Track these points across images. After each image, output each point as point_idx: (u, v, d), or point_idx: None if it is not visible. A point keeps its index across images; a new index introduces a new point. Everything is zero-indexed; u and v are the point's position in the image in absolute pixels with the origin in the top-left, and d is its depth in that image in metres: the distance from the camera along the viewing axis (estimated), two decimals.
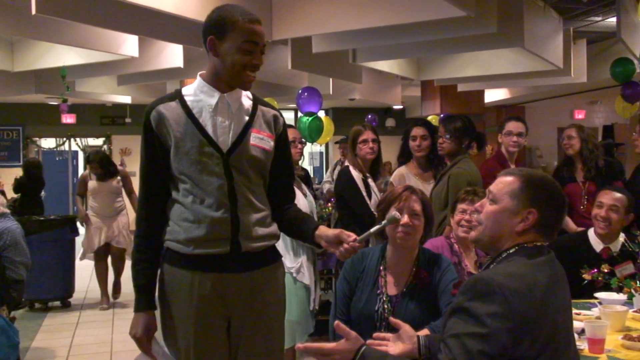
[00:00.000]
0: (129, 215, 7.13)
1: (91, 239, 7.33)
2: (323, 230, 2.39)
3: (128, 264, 6.36)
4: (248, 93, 2.45)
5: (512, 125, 4.77)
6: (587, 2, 6.40)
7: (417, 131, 4.68)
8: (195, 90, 2.38)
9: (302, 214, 2.58)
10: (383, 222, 2.47)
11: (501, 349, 1.73)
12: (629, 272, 3.27)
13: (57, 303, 7.39)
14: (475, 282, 1.83)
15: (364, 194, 4.56)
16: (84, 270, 9.63)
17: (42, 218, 7.58)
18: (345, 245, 2.29)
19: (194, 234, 2.30)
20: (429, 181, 4.65)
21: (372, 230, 2.44)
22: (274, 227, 2.47)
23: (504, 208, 1.97)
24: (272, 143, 2.43)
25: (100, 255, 7.41)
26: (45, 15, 4.40)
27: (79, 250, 7.53)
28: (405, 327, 2.25)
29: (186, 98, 2.36)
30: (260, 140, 2.39)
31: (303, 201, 4.23)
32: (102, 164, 7.27)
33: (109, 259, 7.53)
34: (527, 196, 1.94)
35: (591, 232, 3.64)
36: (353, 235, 2.31)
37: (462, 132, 4.38)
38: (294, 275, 4.23)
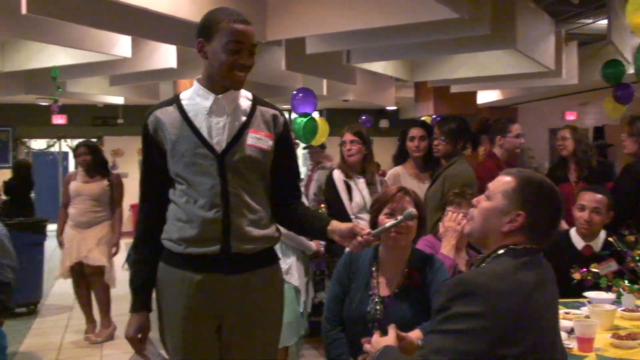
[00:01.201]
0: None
1: (64, 257, 6.09)
2: (336, 225, 2.41)
3: (115, 292, 6.08)
4: (247, 93, 2.47)
5: (518, 127, 4.91)
6: (578, 4, 6.43)
7: (415, 132, 4.73)
8: (191, 94, 2.42)
9: (312, 211, 2.60)
10: (400, 218, 2.49)
11: (480, 349, 1.74)
12: (611, 269, 3.31)
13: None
14: (457, 282, 1.85)
15: (343, 195, 4.59)
16: None
17: (8, 221, 6.58)
18: (359, 239, 2.32)
19: (186, 233, 2.32)
20: (425, 181, 4.68)
21: (387, 225, 2.48)
22: (270, 230, 2.46)
23: (495, 206, 1.96)
24: (270, 143, 2.44)
25: (76, 275, 6.09)
26: (36, 14, 4.37)
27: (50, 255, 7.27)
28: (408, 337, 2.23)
29: (183, 102, 2.41)
30: (258, 140, 2.40)
31: None
32: (92, 151, 6.15)
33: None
34: (518, 198, 1.93)
35: (573, 231, 3.69)
36: (367, 229, 2.36)
37: (457, 133, 4.41)
38: (283, 276, 4.24)
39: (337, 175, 4.66)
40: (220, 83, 2.36)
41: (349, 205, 4.56)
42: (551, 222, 1.96)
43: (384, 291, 2.79)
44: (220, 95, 2.37)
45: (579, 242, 3.64)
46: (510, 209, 1.93)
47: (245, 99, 2.45)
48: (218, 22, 2.28)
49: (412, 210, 2.53)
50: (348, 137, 4.68)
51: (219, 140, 2.35)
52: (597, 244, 3.59)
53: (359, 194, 4.59)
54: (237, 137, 2.37)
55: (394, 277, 2.80)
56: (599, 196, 3.60)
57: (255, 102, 2.47)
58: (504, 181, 1.98)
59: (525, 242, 1.93)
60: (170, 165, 2.37)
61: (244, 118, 2.41)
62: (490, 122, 6.52)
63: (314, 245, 4.58)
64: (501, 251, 1.93)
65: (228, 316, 2.38)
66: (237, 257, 2.35)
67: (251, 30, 2.33)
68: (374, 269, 2.84)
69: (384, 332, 2.66)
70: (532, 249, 1.94)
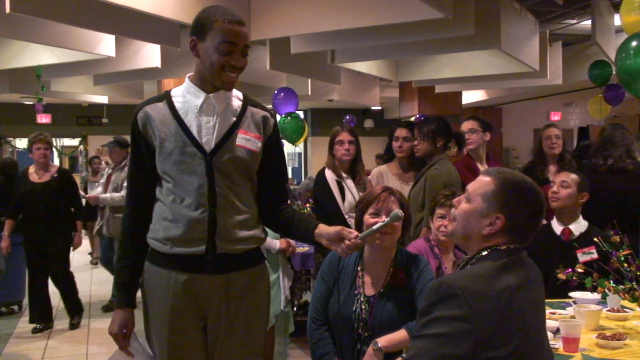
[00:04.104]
0: None
1: None
2: (323, 229, 2.39)
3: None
4: (238, 93, 2.45)
5: (463, 125, 4.96)
6: (562, 5, 6.47)
7: (400, 132, 4.73)
8: (182, 92, 2.40)
9: (299, 214, 2.56)
10: (386, 220, 2.49)
11: (463, 352, 1.73)
12: (590, 257, 3.34)
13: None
14: (438, 285, 1.83)
15: (337, 194, 4.59)
16: None
17: None
18: (347, 242, 2.32)
19: (172, 233, 2.31)
20: (409, 182, 4.67)
21: (374, 227, 2.46)
22: (257, 231, 2.45)
23: (474, 209, 1.95)
24: (259, 144, 2.42)
25: None
26: (20, 13, 4.35)
27: None
28: None
29: (174, 99, 2.38)
30: (247, 141, 2.38)
31: None
32: None
33: None
34: (497, 201, 1.91)
35: (554, 219, 3.75)
36: (355, 232, 2.35)
37: (436, 133, 4.40)
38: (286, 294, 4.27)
39: (330, 176, 4.66)
40: (211, 82, 2.34)
41: (342, 205, 4.55)
42: (532, 223, 1.94)
43: (369, 291, 2.79)
44: (211, 95, 2.35)
45: (557, 227, 3.71)
46: (489, 212, 1.92)
47: (236, 99, 2.44)
48: (212, 22, 2.26)
49: (398, 211, 2.52)
50: (346, 136, 4.67)
51: (208, 140, 2.34)
52: (577, 229, 3.66)
53: (350, 193, 4.59)
54: (226, 137, 2.36)
55: (380, 276, 2.80)
56: (572, 175, 3.74)
57: (246, 102, 2.46)
58: (483, 183, 1.96)
59: (507, 242, 1.92)
60: (157, 162, 2.35)
61: (233, 118, 2.39)
62: None
63: (279, 243, 4.56)
64: (484, 252, 1.92)
65: (212, 316, 2.37)
66: (222, 257, 2.35)
67: (245, 31, 2.32)
68: (359, 268, 2.83)
69: (370, 332, 2.68)
70: (516, 249, 1.93)
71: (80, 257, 11.46)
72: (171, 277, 2.33)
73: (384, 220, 2.51)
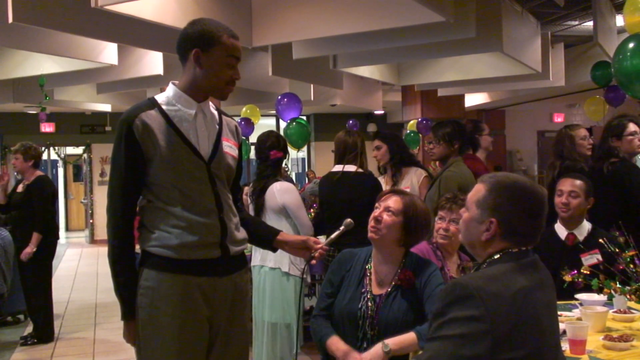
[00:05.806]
0: None
1: None
2: (287, 236, 2.71)
3: None
4: (211, 103, 2.53)
5: (487, 126, 5.18)
6: (563, 6, 6.47)
7: (373, 144, 5.05)
8: (170, 100, 2.41)
9: (258, 219, 2.75)
10: (341, 228, 2.71)
11: (480, 353, 1.74)
12: (594, 261, 3.33)
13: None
14: (453, 287, 1.84)
15: None
16: (66, 280, 9.58)
17: None
18: (320, 251, 2.61)
19: (187, 239, 2.34)
20: (388, 185, 4.93)
21: (332, 235, 2.74)
22: (244, 232, 2.58)
23: (471, 217, 1.98)
24: (237, 151, 2.55)
25: None
26: (23, 23, 4.36)
27: None
28: None
29: (165, 108, 2.39)
30: (230, 148, 2.50)
31: None
32: None
33: None
34: (488, 205, 1.93)
35: (557, 224, 3.73)
36: (319, 242, 2.64)
37: (452, 136, 4.50)
38: (305, 276, 4.25)
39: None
40: (208, 93, 2.42)
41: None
42: (530, 223, 1.94)
43: (377, 290, 2.81)
44: (201, 104, 2.42)
45: (562, 232, 3.67)
46: (484, 217, 1.94)
47: (212, 107, 2.52)
48: (219, 36, 2.33)
49: (348, 220, 2.74)
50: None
51: (204, 148, 2.41)
52: (581, 233, 3.63)
53: None
54: (217, 145, 2.45)
55: (388, 276, 2.82)
56: (577, 182, 3.68)
57: (219, 111, 2.55)
58: (477, 189, 1.99)
59: (511, 245, 1.93)
60: (157, 172, 2.35)
61: (217, 126, 2.49)
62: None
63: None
64: (497, 256, 1.93)
65: (217, 317, 2.42)
66: (231, 259, 2.45)
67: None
68: (367, 267, 2.87)
69: (375, 330, 2.69)
70: (527, 251, 1.94)
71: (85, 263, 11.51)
72: (188, 282, 2.35)
73: (340, 228, 2.74)
